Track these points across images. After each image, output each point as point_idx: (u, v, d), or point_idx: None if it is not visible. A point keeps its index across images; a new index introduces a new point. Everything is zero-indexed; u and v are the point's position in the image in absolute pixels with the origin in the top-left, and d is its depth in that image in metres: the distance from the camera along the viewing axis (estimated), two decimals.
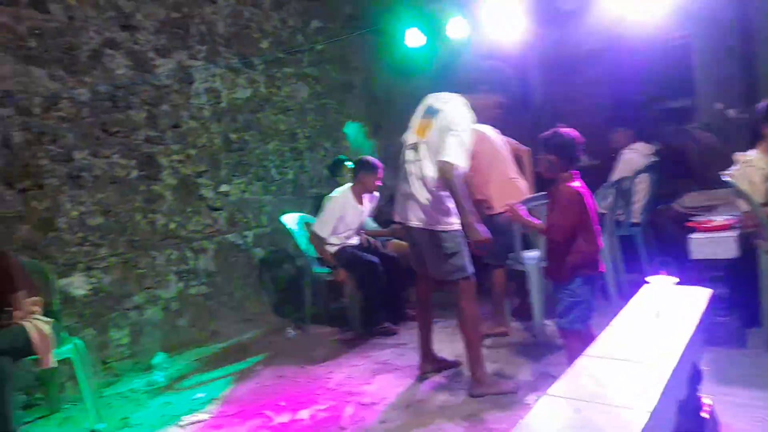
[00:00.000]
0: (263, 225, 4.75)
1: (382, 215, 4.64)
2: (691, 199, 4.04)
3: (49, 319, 2.70)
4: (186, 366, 3.74)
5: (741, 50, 5.00)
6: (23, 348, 2.57)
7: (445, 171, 2.51)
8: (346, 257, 4.05)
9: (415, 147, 2.74)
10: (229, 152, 4.53)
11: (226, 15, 4.58)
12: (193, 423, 2.83)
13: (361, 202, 4.11)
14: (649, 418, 1.22)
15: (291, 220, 4.38)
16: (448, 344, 3.49)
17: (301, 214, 4.52)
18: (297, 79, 5.22)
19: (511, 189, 3.53)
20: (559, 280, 2.40)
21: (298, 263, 4.54)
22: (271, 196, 4.85)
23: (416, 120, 2.80)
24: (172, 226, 4.12)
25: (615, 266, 3.99)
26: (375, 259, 4.00)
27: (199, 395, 3.18)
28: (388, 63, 6.18)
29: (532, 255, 3.50)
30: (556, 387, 1.42)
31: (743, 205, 2.84)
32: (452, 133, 2.54)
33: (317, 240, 3.99)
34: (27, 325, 2.60)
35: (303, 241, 4.24)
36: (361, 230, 4.27)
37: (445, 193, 2.64)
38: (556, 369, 2.75)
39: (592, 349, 1.66)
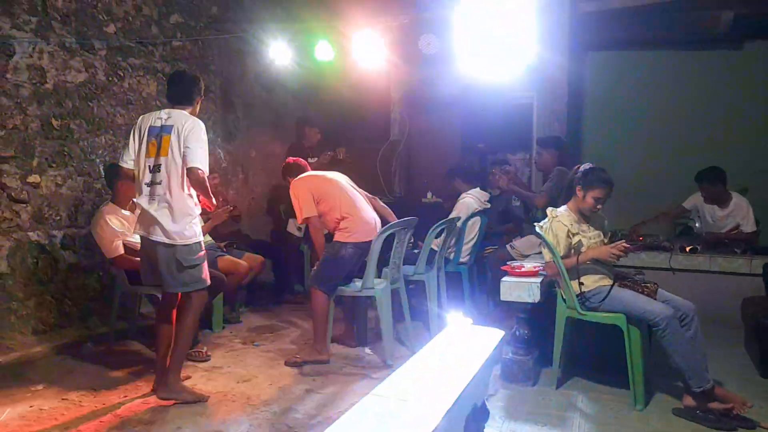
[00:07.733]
0: (79, 225, 4.22)
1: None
2: (522, 243, 4.30)
3: None
4: None
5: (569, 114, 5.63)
6: None
7: (197, 177, 2.78)
8: None
9: (157, 168, 2.85)
10: (46, 139, 3.98)
11: None
12: None
13: None
14: None
15: None
16: (266, 369, 3.34)
17: None
18: (145, 72, 4.80)
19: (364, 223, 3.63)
20: None
21: (112, 271, 4.05)
22: (93, 194, 4.34)
23: (144, 142, 2.89)
24: None
25: (439, 300, 4.16)
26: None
27: None
28: (251, 72, 6.00)
29: (381, 282, 3.57)
30: (336, 426, 1.38)
31: (547, 255, 3.09)
32: (195, 145, 2.80)
33: None
34: None
35: None
36: None
37: (188, 207, 2.86)
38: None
39: (379, 388, 1.63)
